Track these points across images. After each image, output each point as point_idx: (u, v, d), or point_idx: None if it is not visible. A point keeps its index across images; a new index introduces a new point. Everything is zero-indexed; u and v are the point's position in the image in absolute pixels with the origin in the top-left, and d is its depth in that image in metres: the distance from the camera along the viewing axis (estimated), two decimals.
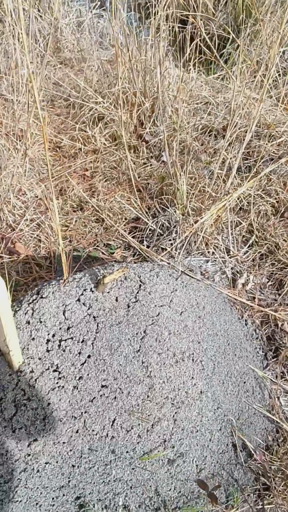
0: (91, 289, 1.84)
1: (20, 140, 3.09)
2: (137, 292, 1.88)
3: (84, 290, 1.84)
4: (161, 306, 1.89)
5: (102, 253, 2.66)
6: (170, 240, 2.58)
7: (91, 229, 2.77)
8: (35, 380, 1.71)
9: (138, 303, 1.85)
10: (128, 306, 1.84)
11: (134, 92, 3.25)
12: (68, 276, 1.88)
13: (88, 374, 1.70)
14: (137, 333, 1.79)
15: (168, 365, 1.79)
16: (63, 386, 1.70)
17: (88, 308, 1.80)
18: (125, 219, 2.81)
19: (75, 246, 2.69)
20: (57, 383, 1.70)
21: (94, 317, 1.78)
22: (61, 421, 1.68)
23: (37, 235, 2.71)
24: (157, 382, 1.75)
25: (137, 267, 2.02)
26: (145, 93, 3.24)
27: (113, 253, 2.64)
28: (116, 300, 1.84)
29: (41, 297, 1.81)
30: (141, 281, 1.93)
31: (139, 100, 3.21)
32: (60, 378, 1.71)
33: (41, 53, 4.06)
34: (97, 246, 2.69)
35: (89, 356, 1.73)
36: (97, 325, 1.76)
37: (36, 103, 1.49)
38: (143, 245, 2.60)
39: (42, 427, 1.68)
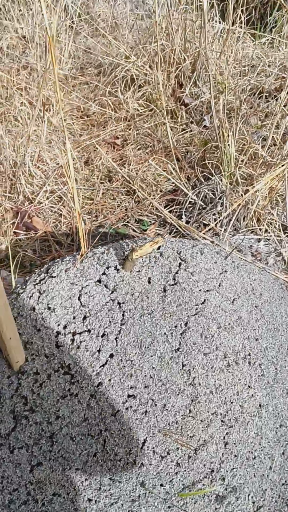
0: (115, 267, 1.37)
1: (46, 109, 2.64)
2: (176, 272, 1.40)
3: (107, 268, 1.37)
4: (207, 291, 1.40)
5: (133, 230, 2.19)
6: (214, 214, 2.08)
7: (120, 202, 2.30)
8: (41, 385, 1.26)
9: (178, 286, 1.37)
10: (165, 290, 1.36)
11: (172, 49, 2.75)
12: (86, 250, 1.42)
13: (110, 380, 1.24)
14: (176, 326, 1.31)
15: (217, 370, 1.30)
16: (76, 394, 1.24)
17: (112, 292, 1.33)
18: (161, 191, 2.32)
19: (101, 222, 2.23)
20: (69, 389, 1.25)
21: (119, 303, 1.31)
22: (73, 440, 1.23)
23: (58, 209, 2.25)
24: (203, 392, 1.27)
25: (176, 242, 1.53)
26: (185, 50, 2.73)
27: (145, 230, 2.16)
28: (149, 282, 1.37)
29: (51, 276, 1.36)
30: (181, 259, 1.44)
31: (178, 58, 2.71)
32: (73, 383, 1.25)
33: (71, 21, 3.61)
34: (127, 222, 2.22)
35: (111, 356, 1.26)
36: (123, 315, 1.29)
37: (54, 63, 1.04)
38: (182, 221, 2.12)
39: (49, 447, 1.23)
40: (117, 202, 2.29)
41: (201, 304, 1.37)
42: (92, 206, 2.29)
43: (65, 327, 1.29)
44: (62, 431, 1.22)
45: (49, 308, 1.31)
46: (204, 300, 1.38)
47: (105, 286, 1.33)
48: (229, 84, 2.70)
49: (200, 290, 1.39)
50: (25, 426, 1.23)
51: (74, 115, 2.83)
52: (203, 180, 2.19)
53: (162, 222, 2.20)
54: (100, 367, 1.25)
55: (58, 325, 1.29)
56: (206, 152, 2.31)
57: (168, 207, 2.24)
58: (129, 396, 1.24)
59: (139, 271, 1.37)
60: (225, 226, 2.04)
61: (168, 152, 2.48)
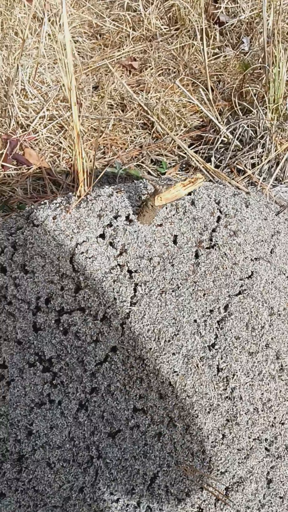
0: (128, 216, 0.89)
1: (50, 21, 2.07)
2: (214, 230, 0.92)
3: (115, 217, 0.89)
4: (255, 259, 0.93)
5: (148, 172, 1.69)
6: (252, 158, 1.57)
7: (134, 137, 1.78)
8: (8, 384, 0.82)
9: (216, 250, 0.90)
10: (197, 256, 0.89)
11: None
12: (87, 190, 0.93)
13: (109, 385, 0.79)
14: (211, 311, 0.85)
15: (266, 377, 0.85)
16: (59, 402, 0.80)
17: (120, 254, 0.86)
18: (185, 126, 1.79)
19: (109, 161, 1.73)
20: (48, 395, 0.80)
21: (129, 271, 0.85)
22: (50, 467, 0.80)
23: (57, 141, 1.74)
24: (244, 409, 0.83)
25: (212, 187, 1.04)
26: None
27: (164, 173, 1.66)
28: (175, 242, 0.89)
29: (32, 225, 0.88)
30: (220, 211, 0.96)
31: None
32: (55, 385, 0.80)
33: None
34: (142, 162, 1.71)
35: (113, 350, 0.81)
36: (135, 289, 0.83)
37: None
38: (210, 164, 1.61)
39: (15, 474, 0.80)
40: (131, 136, 1.78)
41: (247, 278, 0.89)
42: (99, 139, 1.77)
43: (47, 301, 0.83)
44: (35, 453, 0.79)
45: (25, 271, 0.84)
46: (252, 273, 0.91)
47: (111, 244, 0.86)
48: None
49: (246, 258, 0.91)
50: None
51: (84, 32, 2.25)
52: (240, 114, 1.67)
53: (184, 165, 1.69)
54: (97, 365, 0.80)
55: (38, 298, 0.83)
56: (246, 79, 1.76)
57: (193, 146, 1.72)
58: (135, 410, 0.80)
59: (161, 225, 0.89)
60: (266, 174, 1.54)
61: (196, 79, 1.94)
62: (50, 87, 1.84)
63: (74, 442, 0.79)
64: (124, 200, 0.90)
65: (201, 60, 2.03)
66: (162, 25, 2.26)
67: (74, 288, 0.82)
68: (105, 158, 1.74)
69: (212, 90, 1.87)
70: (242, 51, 1.99)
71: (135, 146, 1.76)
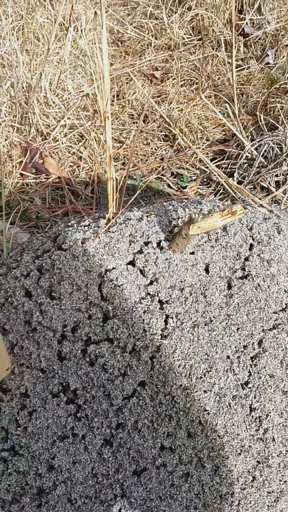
0: (159, 243, 0.85)
1: (73, 27, 2.03)
2: (247, 259, 0.88)
3: (145, 244, 0.85)
4: None
5: (169, 185, 1.65)
6: (277, 175, 1.53)
7: (155, 149, 1.74)
8: (30, 414, 0.78)
9: (249, 281, 0.85)
10: (230, 286, 0.85)
11: None
12: (115, 213, 0.90)
13: (136, 421, 0.74)
14: (245, 347, 0.80)
15: None
16: (83, 436, 0.76)
17: (150, 283, 0.82)
18: (207, 139, 1.75)
19: (129, 172, 1.69)
20: (72, 428, 0.76)
21: (160, 302, 0.80)
22: (72, 504, 0.76)
23: (78, 150, 1.70)
24: (276, 451, 0.79)
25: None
26: None
27: (184, 187, 1.62)
28: (207, 271, 0.85)
29: (60, 248, 0.84)
30: (253, 238, 0.92)
31: None
32: (79, 418, 0.76)
33: None
34: (162, 174, 1.67)
35: (142, 385, 0.76)
36: (166, 321, 0.79)
37: None
38: (233, 180, 1.57)
39: (35, 510, 0.76)
40: (152, 148, 1.74)
41: (281, 311, 0.85)
42: (119, 150, 1.73)
43: (74, 330, 0.79)
44: (56, 489, 0.75)
45: (52, 297, 0.80)
46: (286, 306, 0.86)
47: (141, 272, 0.82)
48: None
49: (280, 290, 0.87)
50: (1, 475, 0.76)
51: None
52: (265, 130, 1.62)
53: (206, 180, 1.65)
54: (124, 400, 0.76)
55: (64, 326, 0.79)
56: (272, 94, 1.72)
57: (215, 160, 1.68)
58: (163, 448, 0.76)
59: (192, 253, 0.85)
60: None
61: (219, 92, 1.89)
62: (71, 95, 1.80)
63: (98, 478, 0.75)
64: (154, 225, 0.86)
65: (224, 71, 1.99)
66: (185, 34, 2.22)
67: (102, 318, 0.78)
68: (124, 168, 1.70)
69: (235, 103, 1.83)
70: (267, 64, 1.94)
71: (156, 158, 1.72)
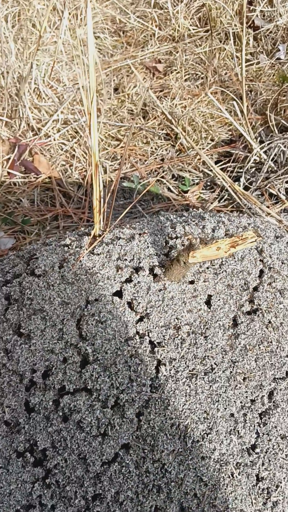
0: (152, 269, 0.69)
1: (70, 15, 1.86)
2: (256, 289, 0.73)
3: (136, 269, 0.69)
4: None
5: (169, 189, 1.49)
6: (287, 182, 1.37)
7: (155, 149, 1.58)
8: None
9: (258, 317, 0.70)
10: (235, 324, 0.69)
11: None
12: (102, 229, 0.74)
13: (117, 492, 0.59)
14: (253, 401, 0.65)
15: None
16: (52, 507, 0.61)
17: (140, 319, 0.66)
18: (212, 139, 1.59)
19: (126, 173, 1.53)
20: (39, 495, 0.62)
21: (151, 343, 0.65)
22: None
23: (71, 148, 1.54)
24: None
25: (249, 227, 0.83)
26: None
27: (186, 191, 1.46)
28: (208, 303, 0.70)
29: (33, 274, 0.68)
30: (263, 263, 0.76)
31: None
32: (48, 485, 0.61)
33: None
34: (162, 177, 1.51)
35: (126, 447, 0.61)
36: (157, 369, 0.63)
37: None
38: (239, 185, 1.41)
39: None
40: (152, 147, 1.58)
41: None
42: (116, 149, 1.57)
43: (45, 375, 0.64)
44: None
45: (20, 334, 0.65)
46: None
47: (129, 305, 0.66)
48: None
49: None
50: None
51: (107, 28, 2.04)
52: (275, 131, 1.46)
53: (209, 183, 1.49)
54: (103, 465, 0.61)
55: (34, 371, 0.64)
56: (283, 92, 1.55)
57: (220, 163, 1.52)
58: None
59: (192, 282, 0.69)
60: None
61: (226, 88, 1.73)
62: (66, 87, 1.64)
63: None
64: (148, 246, 0.70)
65: (232, 66, 1.82)
66: (190, 25, 2.05)
67: (79, 362, 0.63)
68: (122, 169, 1.54)
69: (243, 100, 1.66)
70: (278, 59, 1.77)
71: (156, 158, 1.56)
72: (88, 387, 0.62)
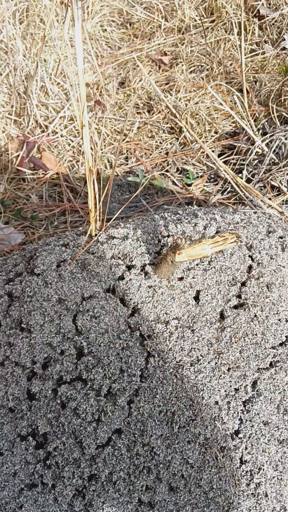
0: (143, 267, 0.74)
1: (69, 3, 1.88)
2: (244, 284, 0.77)
3: (128, 268, 0.74)
4: None
5: (173, 182, 1.53)
6: None
7: (160, 142, 1.62)
8: None
9: (245, 311, 0.74)
10: (222, 317, 0.73)
11: None
12: (98, 228, 0.79)
13: (110, 473, 0.65)
14: (237, 390, 0.69)
15: None
16: (52, 486, 0.67)
17: (132, 314, 0.71)
18: (216, 132, 1.61)
19: (132, 167, 1.57)
20: (41, 475, 0.68)
21: (142, 336, 0.70)
22: None
23: (78, 144, 1.59)
24: (270, 507, 0.68)
25: (243, 223, 0.87)
26: None
27: (190, 184, 1.50)
28: (197, 299, 0.74)
29: (32, 274, 0.74)
30: (252, 259, 0.80)
31: None
32: (48, 465, 0.67)
33: None
34: (167, 170, 1.55)
35: (118, 432, 0.66)
36: (147, 360, 0.68)
37: None
38: (241, 177, 1.44)
39: None
40: (156, 141, 1.61)
41: (280, 346, 0.74)
42: (122, 144, 1.61)
43: (45, 366, 0.70)
44: None
45: (21, 329, 0.71)
46: (286, 339, 0.75)
47: (122, 301, 0.71)
48: None
49: (280, 320, 0.75)
50: None
51: (113, 20, 2.07)
52: (278, 123, 1.47)
53: (213, 176, 1.52)
54: (97, 449, 0.66)
55: (34, 362, 0.69)
56: (287, 83, 1.56)
57: (223, 156, 1.54)
58: (141, 503, 0.67)
59: (181, 279, 0.74)
60: None
61: (231, 79, 1.74)
62: (73, 85, 1.67)
63: None
64: (140, 245, 0.75)
65: (237, 57, 1.83)
66: (196, 16, 2.06)
67: (75, 354, 0.68)
68: (127, 164, 1.58)
69: (247, 93, 1.67)
70: (283, 48, 1.77)
71: (161, 152, 1.59)
72: (83, 377, 0.67)
